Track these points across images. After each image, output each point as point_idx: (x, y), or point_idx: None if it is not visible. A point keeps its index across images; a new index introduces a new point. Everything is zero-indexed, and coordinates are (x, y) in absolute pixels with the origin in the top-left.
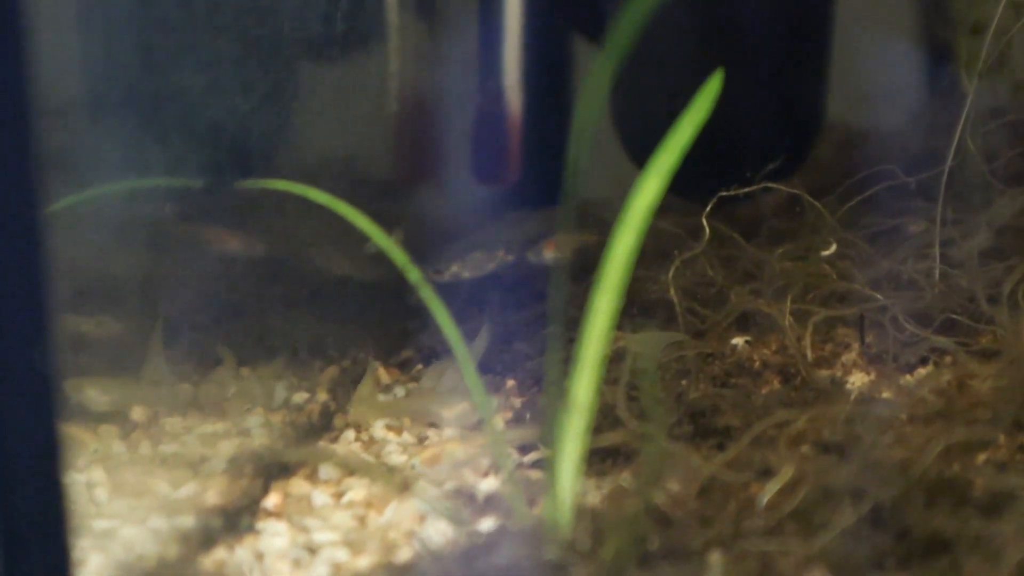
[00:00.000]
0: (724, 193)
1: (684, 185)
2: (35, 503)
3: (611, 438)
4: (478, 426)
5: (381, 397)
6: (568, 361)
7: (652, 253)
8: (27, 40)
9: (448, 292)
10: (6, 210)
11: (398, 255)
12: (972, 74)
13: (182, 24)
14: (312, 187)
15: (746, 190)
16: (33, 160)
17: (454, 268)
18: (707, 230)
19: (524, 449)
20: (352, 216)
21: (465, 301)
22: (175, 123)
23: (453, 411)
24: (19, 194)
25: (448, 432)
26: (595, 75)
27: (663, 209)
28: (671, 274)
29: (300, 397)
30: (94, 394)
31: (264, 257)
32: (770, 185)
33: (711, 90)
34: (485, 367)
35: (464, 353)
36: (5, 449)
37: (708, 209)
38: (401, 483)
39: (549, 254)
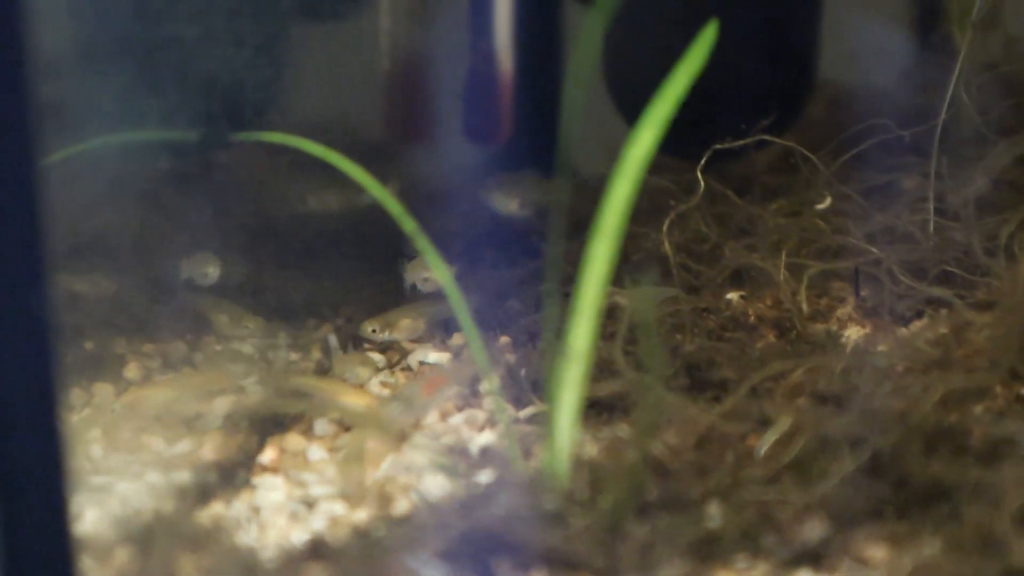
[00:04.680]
0: (719, 146)
1: (675, 144)
2: (32, 453)
3: (609, 387)
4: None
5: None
6: (565, 312)
7: (646, 211)
8: None
9: (441, 248)
10: (4, 160)
11: (393, 205)
12: (964, 28)
13: None
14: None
15: (741, 142)
16: (31, 111)
17: (387, 332)
18: (702, 184)
19: (519, 404)
20: (347, 167)
21: (457, 259)
22: (169, 75)
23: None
24: (17, 145)
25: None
26: (586, 36)
27: (656, 168)
28: (665, 228)
29: (294, 356)
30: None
31: (257, 215)
32: (765, 138)
33: (706, 40)
34: (479, 325)
35: (461, 306)
36: (2, 398)
37: (702, 163)
38: (398, 436)
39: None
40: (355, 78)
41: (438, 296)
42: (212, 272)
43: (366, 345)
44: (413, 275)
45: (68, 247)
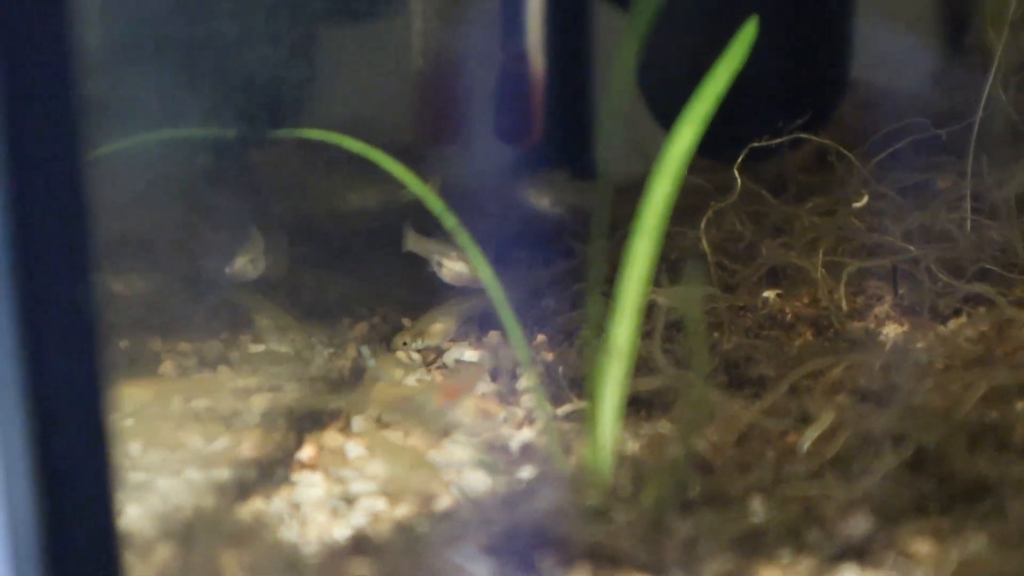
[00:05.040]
0: (756, 144)
1: (708, 144)
2: (78, 449)
3: (650, 383)
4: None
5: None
6: (605, 310)
7: (681, 209)
8: None
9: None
10: (52, 153)
11: (434, 202)
12: (1000, 27)
13: None
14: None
15: (777, 140)
16: (76, 105)
17: (420, 340)
18: (738, 182)
19: (556, 402)
20: (387, 163)
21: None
22: (208, 73)
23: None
24: (63, 137)
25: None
26: (627, 42)
27: (689, 168)
28: (703, 226)
29: (330, 353)
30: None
31: (294, 213)
32: (801, 135)
33: (746, 37)
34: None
35: (502, 299)
36: (48, 395)
37: (739, 161)
38: (438, 433)
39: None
40: (389, 78)
41: (466, 294)
42: (255, 267)
43: (403, 342)
44: (414, 245)
45: (107, 243)
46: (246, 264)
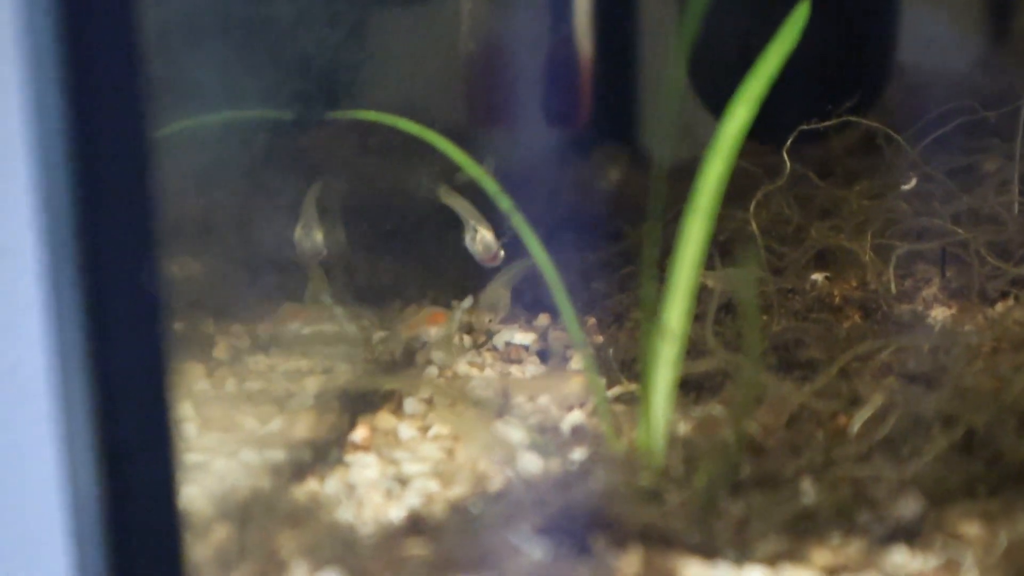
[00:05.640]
0: (805, 127)
1: (757, 128)
2: (143, 430)
3: (703, 366)
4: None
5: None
6: (657, 292)
7: (728, 192)
8: None
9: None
10: (119, 133)
11: (490, 184)
12: None
13: None
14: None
15: (826, 124)
16: (142, 84)
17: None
18: (788, 165)
19: (607, 384)
20: (443, 145)
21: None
22: (265, 54)
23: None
24: (130, 118)
25: (531, 368)
26: (678, 32)
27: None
28: (752, 209)
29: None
30: None
31: (347, 196)
32: (850, 119)
33: (798, 19)
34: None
35: (557, 283)
36: (113, 376)
37: (788, 144)
38: (491, 415)
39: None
40: (440, 60)
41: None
42: (309, 238)
43: (488, 320)
44: (449, 199)
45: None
46: (301, 235)
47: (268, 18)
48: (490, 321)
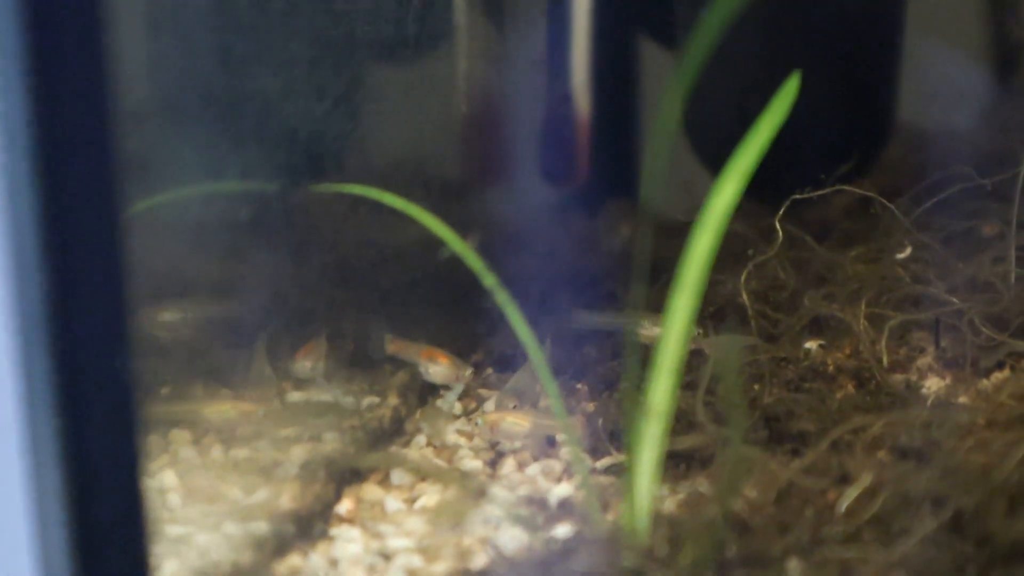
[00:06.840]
0: (798, 196)
1: (752, 189)
2: (114, 509)
3: (689, 441)
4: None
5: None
6: (645, 363)
7: (722, 256)
8: (107, 42)
9: (519, 296)
10: (88, 213)
11: (473, 260)
12: None
13: (256, 26)
14: (385, 191)
15: (819, 192)
16: (114, 162)
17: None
18: (780, 232)
19: (595, 454)
20: (426, 220)
21: (536, 305)
22: (249, 126)
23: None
24: (101, 197)
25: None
26: (669, 97)
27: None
28: (744, 277)
29: (370, 402)
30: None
31: (334, 262)
32: (843, 187)
33: (789, 91)
34: (555, 372)
35: (539, 357)
36: (86, 454)
37: (781, 212)
38: (476, 489)
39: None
40: (433, 122)
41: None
42: (315, 369)
43: (440, 393)
44: (394, 350)
45: (152, 290)
46: (305, 366)
47: (253, 91)
48: (514, 407)
